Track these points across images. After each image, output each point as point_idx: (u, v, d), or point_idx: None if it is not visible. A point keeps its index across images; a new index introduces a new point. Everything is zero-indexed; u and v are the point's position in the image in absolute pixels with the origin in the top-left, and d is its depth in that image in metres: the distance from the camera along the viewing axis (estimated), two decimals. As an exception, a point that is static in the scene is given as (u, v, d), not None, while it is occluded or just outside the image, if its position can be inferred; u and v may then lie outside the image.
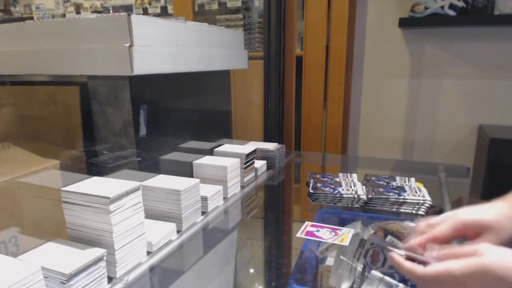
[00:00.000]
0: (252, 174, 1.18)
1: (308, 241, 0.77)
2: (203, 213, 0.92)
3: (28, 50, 0.88)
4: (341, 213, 0.95)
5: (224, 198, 1.02)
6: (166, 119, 1.02)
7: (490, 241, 0.51)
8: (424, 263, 0.52)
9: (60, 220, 0.68)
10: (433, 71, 1.76)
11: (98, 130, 0.91)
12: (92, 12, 3.26)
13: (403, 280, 0.61)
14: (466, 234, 0.55)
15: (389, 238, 0.73)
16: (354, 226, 0.80)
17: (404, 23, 1.67)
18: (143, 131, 0.91)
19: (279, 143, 1.38)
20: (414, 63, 1.78)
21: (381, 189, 0.97)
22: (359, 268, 0.66)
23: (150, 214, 0.84)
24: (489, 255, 0.46)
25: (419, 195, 0.94)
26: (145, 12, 2.97)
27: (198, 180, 0.88)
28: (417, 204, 0.92)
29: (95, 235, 0.65)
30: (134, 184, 0.68)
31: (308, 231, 0.80)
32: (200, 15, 2.21)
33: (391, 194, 0.94)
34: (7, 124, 0.97)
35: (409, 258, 0.54)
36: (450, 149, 1.80)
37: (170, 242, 0.79)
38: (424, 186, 1.07)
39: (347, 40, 1.76)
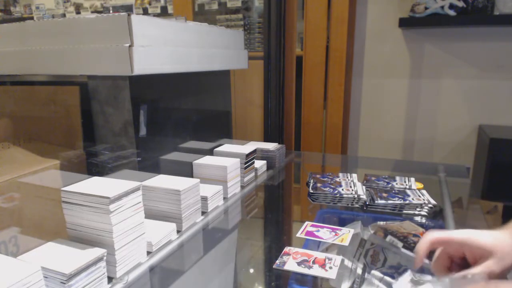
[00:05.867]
0: (252, 174, 1.18)
1: (308, 241, 0.77)
2: (203, 213, 0.92)
3: (28, 50, 0.88)
4: (341, 213, 0.95)
5: (224, 198, 1.02)
6: (166, 119, 1.02)
7: (490, 267, 0.51)
8: None
9: (60, 220, 0.68)
10: (433, 71, 1.76)
11: (98, 130, 0.91)
12: (92, 12, 3.25)
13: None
14: (464, 255, 0.55)
15: (389, 238, 0.73)
16: (354, 226, 0.80)
17: (404, 23, 1.67)
18: (143, 131, 0.91)
19: (279, 143, 1.38)
20: (414, 63, 1.78)
21: (384, 194, 0.97)
22: (359, 268, 0.66)
23: (150, 214, 0.84)
24: None
25: (423, 199, 0.93)
26: (145, 12, 2.97)
27: (198, 180, 0.88)
28: (420, 205, 0.91)
29: (95, 235, 0.65)
30: (134, 184, 0.68)
31: (308, 231, 0.80)
32: (200, 15, 2.21)
33: (396, 199, 0.93)
34: (7, 124, 0.97)
35: None
36: (450, 149, 1.80)
37: (170, 242, 0.79)
38: (424, 186, 1.07)
39: (347, 40, 1.76)
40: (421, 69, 1.77)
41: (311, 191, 1.01)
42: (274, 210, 1.10)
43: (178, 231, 0.82)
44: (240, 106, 1.89)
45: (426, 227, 0.83)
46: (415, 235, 0.75)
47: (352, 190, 1.00)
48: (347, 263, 0.67)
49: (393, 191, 0.99)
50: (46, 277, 0.55)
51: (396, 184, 1.07)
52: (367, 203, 0.95)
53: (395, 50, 1.80)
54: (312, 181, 1.08)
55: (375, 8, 1.80)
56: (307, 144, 1.91)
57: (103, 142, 0.91)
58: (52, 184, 0.82)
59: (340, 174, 1.14)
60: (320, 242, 0.76)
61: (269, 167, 1.29)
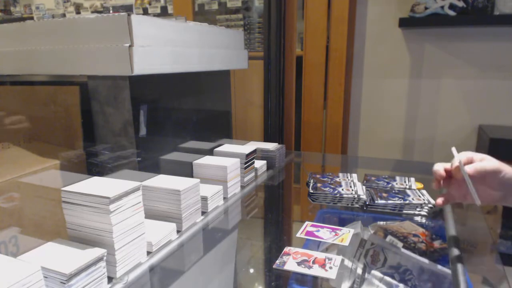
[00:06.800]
0: (252, 174, 1.18)
1: (308, 241, 0.77)
2: (203, 213, 0.92)
3: (28, 50, 0.88)
4: (341, 213, 0.95)
5: (224, 198, 1.02)
6: (166, 119, 1.02)
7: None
8: None
9: (60, 220, 0.68)
10: (433, 71, 1.76)
11: (98, 130, 0.91)
12: (92, 12, 3.25)
13: (403, 280, 0.61)
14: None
15: (389, 238, 0.73)
16: (354, 226, 0.80)
17: (404, 23, 1.67)
18: (143, 131, 0.91)
19: (279, 143, 1.38)
20: (414, 63, 1.78)
21: (384, 194, 0.96)
22: (359, 268, 0.66)
23: (150, 214, 0.84)
24: None
25: (423, 199, 0.93)
26: (145, 12, 2.96)
27: (198, 180, 0.88)
28: (420, 205, 0.91)
29: (95, 235, 0.65)
30: (134, 184, 0.68)
31: (308, 231, 0.80)
32: (200, 15, 2.21)
33: (396, 199, 0.93)
34: (7, 124, 0.97)
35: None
36: (450, 149, 1.80)
37: (170, 242, 0.79)
38: (424, 186, 1.07)
39: (347, 40, 1.76)
40: (421, 69, 1.77)
41: (311, 191, 1.01)
42: (274, 210, 1.10)
43: (178, 231, 0.82)
44: (240, 106, 1.89)
45: (426, 227, 0.83)
46: (415, 235, 0.75)
47: (352, 190, 1.00)
48: (347, 263, 0.67)
49: (393, 191, 0.99)
50: (46, 277, 0.55)
51: (396, 184, 1.07)
52: (367, 203, 0.95)
53: (395, 50, 1.80)
54: (312, 181, 1.08)
55: (375, 8, 1.80)
56: (307, 144, 1.91)
57: (103, 142, 0.91)
58: (52, 184, 0.82)
59: (340, 174, 1.14)
60: (320, 242, 0.76)
61: (269, 167, 1.29)
